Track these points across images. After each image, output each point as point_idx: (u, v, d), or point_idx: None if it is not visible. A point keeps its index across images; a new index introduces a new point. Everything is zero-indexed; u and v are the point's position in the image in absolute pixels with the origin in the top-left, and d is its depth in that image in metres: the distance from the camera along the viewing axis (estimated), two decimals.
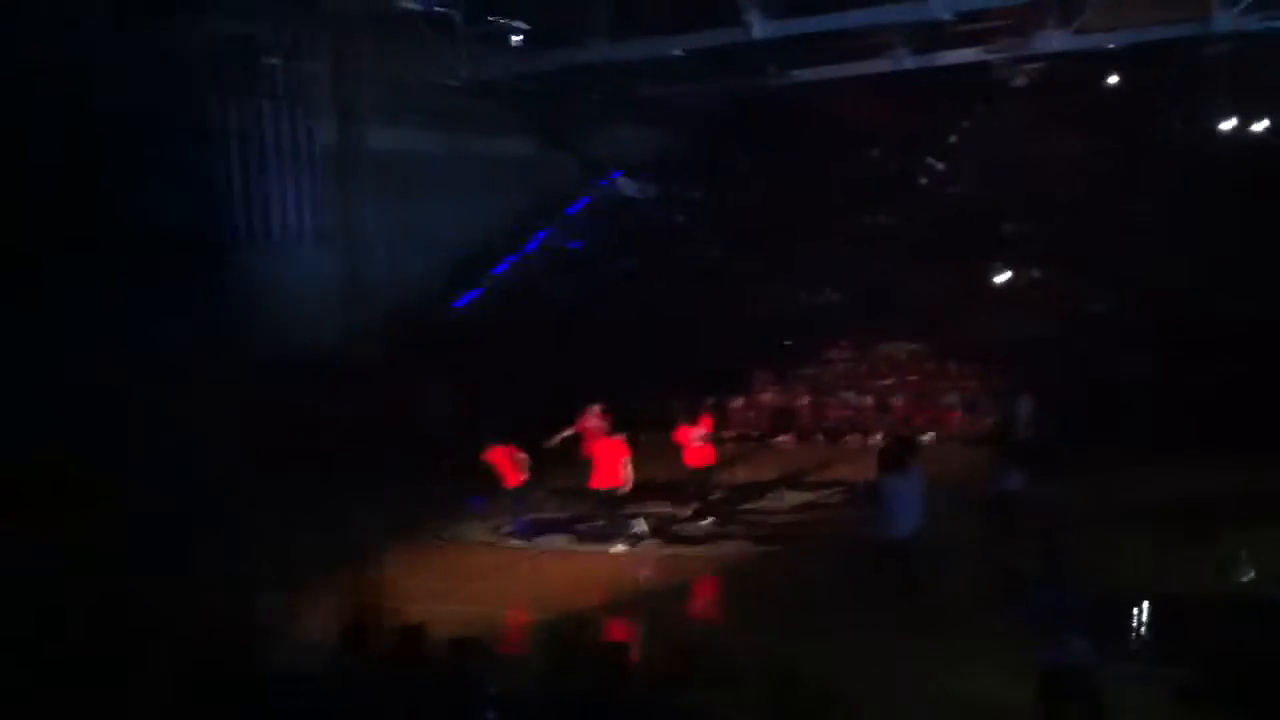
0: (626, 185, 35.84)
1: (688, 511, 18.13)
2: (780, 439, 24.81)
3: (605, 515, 17.01)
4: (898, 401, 24.47)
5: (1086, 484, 17.97)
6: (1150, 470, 20.19)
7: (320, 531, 20.10)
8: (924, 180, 33.20)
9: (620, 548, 16.50)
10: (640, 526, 17.05)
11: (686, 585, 15.40)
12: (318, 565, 17.18)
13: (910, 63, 29.39)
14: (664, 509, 18.48)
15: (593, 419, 18.44)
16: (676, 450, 18.39)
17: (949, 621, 12.63)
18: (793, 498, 19.55)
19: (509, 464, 17.49)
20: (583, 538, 17.42)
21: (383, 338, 31.83)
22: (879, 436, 23.50)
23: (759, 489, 20.28)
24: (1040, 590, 8.98)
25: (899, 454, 13.22)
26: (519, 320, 32.37)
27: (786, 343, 28.15)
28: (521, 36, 27.52)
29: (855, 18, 25.62)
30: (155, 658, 9.85)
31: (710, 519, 17.77)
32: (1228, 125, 30.90)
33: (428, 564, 16.77)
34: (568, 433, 18.53)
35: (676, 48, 26.40)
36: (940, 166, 33.55)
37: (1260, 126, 30.08)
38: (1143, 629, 12.80)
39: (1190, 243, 26.74)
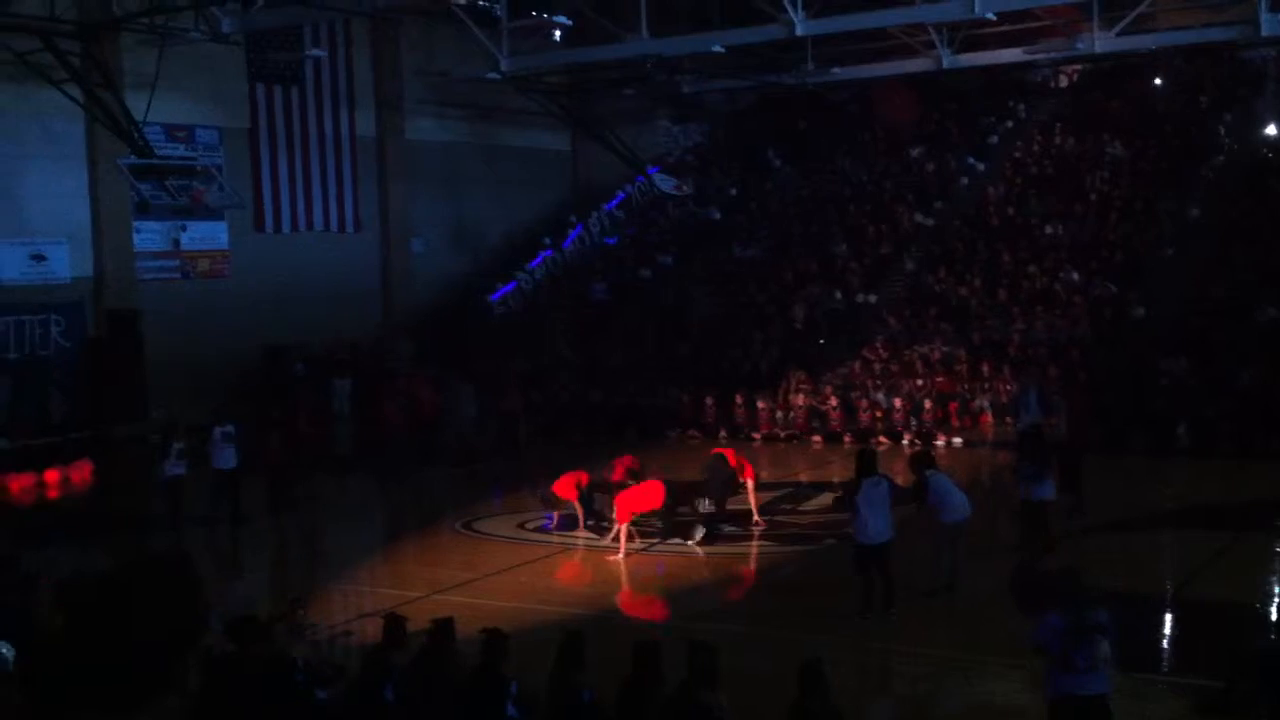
0: (663, 181, 35.82)
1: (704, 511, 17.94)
2: (811, 440, 24.75)
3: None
4: (929, 403, 24.35)
5: (1118, 487, 17.87)
6: (1184, 473, 20.12)
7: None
8: (964, 181, 32.99)
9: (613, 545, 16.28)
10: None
11: (708, 585, 15.38)
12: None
13: (951, 62, 29.30)
14: (685, 510, 18.44)
15: (622, 468, 18.12)
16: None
17: (958, 626, 12.68)
18: (819, 499, 19.48)
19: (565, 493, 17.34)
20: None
21: (418, 329, 32.16)
22: (908, 439, 23.50)
23: (786, 489, 20.22)
24: (1057, 613, 8.29)
25: (871, 461, 13.08)
26: (552, 314, 32.54)
27: (820, 342, 28.05)
28: (561, 31, 27.54)
29: (898, 15, 25.55)
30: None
31: (703, 528, 17.33)
32: (1272, 130, 30.59)
33: (449, 554, 16.87)
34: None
35: (717, 44, 26.38)
36: (981, 167, 33.33)
37: None
38: (1167, 636, 12.72)
39: (1232, 248, 26.46)
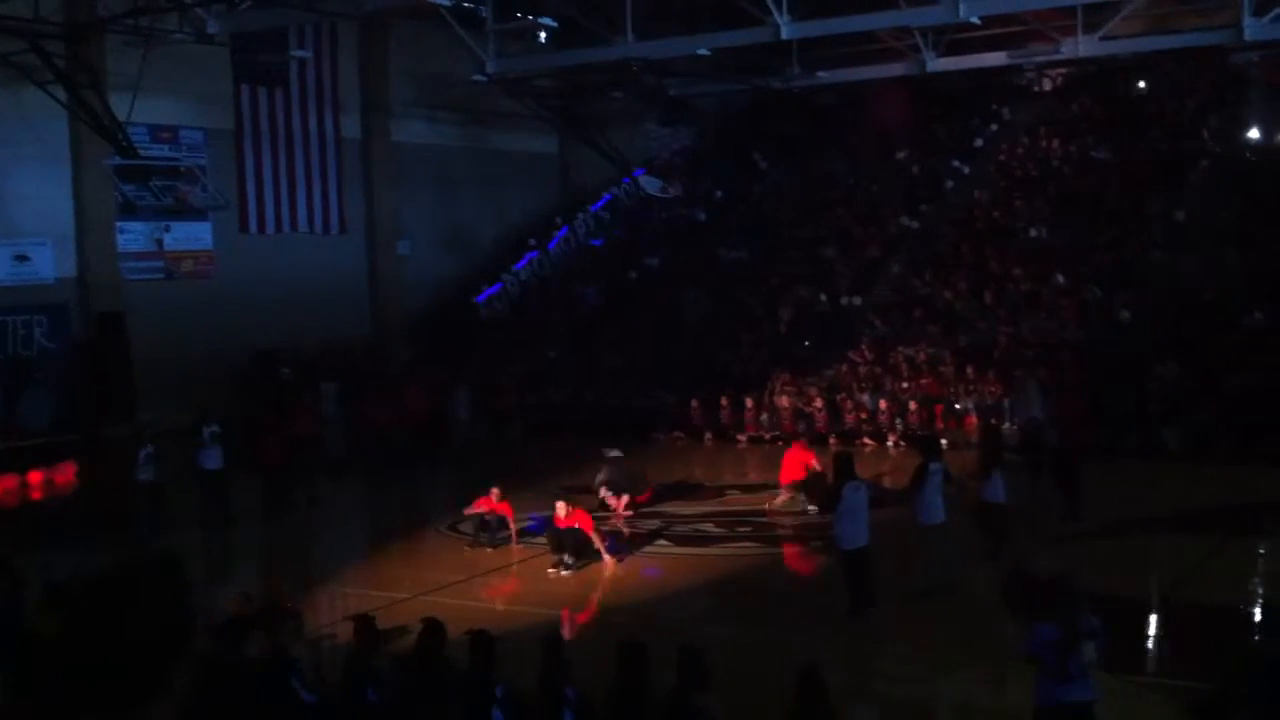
0: (649, 183, 35.82)
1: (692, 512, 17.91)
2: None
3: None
4: (914, 405, 24.38)
5: (1109, 490, 17.92)
6: (1175, 477, 20.17)
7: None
8: (949, 184, 33.07)
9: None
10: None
11: (693, 586, 15.36)
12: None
13: (936, 66, 29.35)
14: (675, 510, 18.45)
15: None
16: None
17: (953, 626, 12.68)
18: (803, 501, 19.42)
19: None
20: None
21: (405, 331, 32.09)
22: (893, 440, 23.56)
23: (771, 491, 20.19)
24: (1048, 623, 8.21)
25: (849, 466, 13.08)
26: (538, 316, 32.50)
27: (805, 344, 28.07)
28: (548, 33, 27.54)
29: (882, 19, 25.58)
30: None
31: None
32: (1255, 134, 30.71)
33: (435, 556, 16.82)
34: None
35: (703, 46, 26.40)
36: (966, 170, 33.41)
37: None
38: (1158, 638, 12.76)
39: (1218, 251, 26.56)
